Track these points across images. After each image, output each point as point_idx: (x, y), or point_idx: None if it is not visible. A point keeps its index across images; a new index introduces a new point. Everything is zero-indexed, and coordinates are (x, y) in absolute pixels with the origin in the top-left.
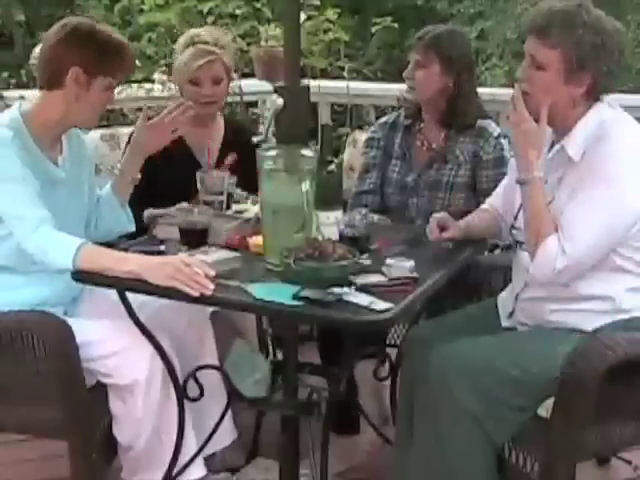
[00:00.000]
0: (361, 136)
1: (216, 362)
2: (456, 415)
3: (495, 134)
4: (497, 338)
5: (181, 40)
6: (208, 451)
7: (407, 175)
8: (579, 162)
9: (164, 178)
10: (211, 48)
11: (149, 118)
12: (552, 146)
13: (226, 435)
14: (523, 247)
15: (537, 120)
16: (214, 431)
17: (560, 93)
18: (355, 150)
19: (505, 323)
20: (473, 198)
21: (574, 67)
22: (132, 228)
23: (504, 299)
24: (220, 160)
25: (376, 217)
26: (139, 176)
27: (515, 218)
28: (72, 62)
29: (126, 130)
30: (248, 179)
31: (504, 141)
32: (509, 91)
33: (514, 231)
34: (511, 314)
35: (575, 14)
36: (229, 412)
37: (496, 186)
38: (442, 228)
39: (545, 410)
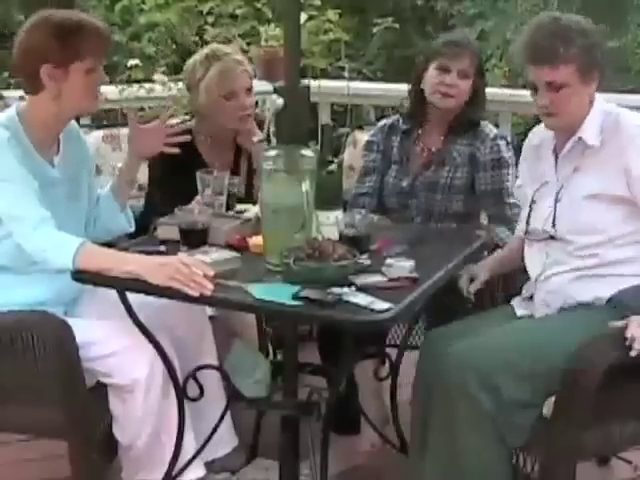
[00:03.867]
0: (361, 136)
1: (216, 362)
2: (473, 416)
3: (492, 135)
4: (513, 328)
5: (198, 58)
6: (208, 457)
7: (402, 180)
8: (599, 148)
9: (176, 182)
10: (239, 57)
11: (146, 122)
12: (554, 146)
13: (226, 442)
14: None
15: (568, 128)
16: (214, 431)
17: (583, 96)
18: (355, 150)
19: (520, 312)
20: (472, 200)
21: (586, 70)
22: (131, 229)
23: (519, 301)
24: (235, 164)
25: (376, 217)
26: (136, 177)
27: (527, 223)
28: (39, 61)
29: (127, 131)
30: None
31: (501, 142)
32: (509, 91)
33: (528, 235)
34: (530, 298)
35: (566, 28)
36: (230, 419)
37: (494, 188)
38: (471, 279)
39: (546, 409)
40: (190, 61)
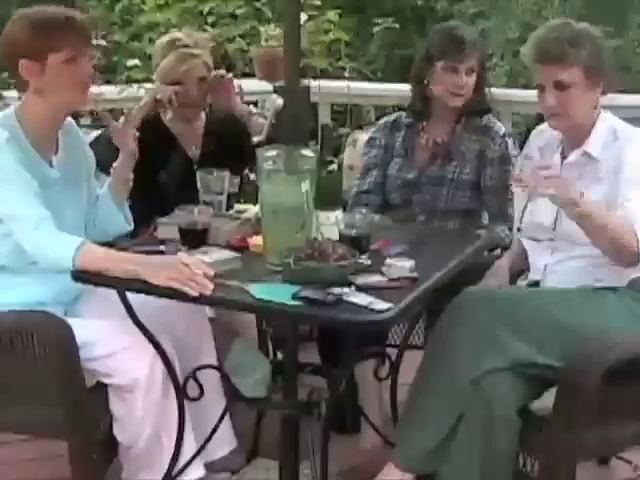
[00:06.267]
0: (361, 136)
1: (215, 363)
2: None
3: (501, 133)
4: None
5: (162, 41)
6: (207, 458)
7: (408, 172)
8: (598, 159)
9: (157, 172)
10: (193, 51)
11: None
12: (562, 149)
13: (225, 443)
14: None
15: (573, 132)
16: (213, 432)
17: (587, 101)
18: (355, 150)
19: None
20: (477, 197)
21: (592, 74)
22: (130, 228)
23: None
24: (205, 149)
25: (376, 217)
26: (131, 176)
27: (520, 221)
28: (17, 57)
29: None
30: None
31: (509, 140)
32: (510, 91)
33: (519, 233)
34: (537, 283)
35: (576, 31)
36: (228, 421)
37: (499, 184)
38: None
39: (545, 409)
40: (157, 43)
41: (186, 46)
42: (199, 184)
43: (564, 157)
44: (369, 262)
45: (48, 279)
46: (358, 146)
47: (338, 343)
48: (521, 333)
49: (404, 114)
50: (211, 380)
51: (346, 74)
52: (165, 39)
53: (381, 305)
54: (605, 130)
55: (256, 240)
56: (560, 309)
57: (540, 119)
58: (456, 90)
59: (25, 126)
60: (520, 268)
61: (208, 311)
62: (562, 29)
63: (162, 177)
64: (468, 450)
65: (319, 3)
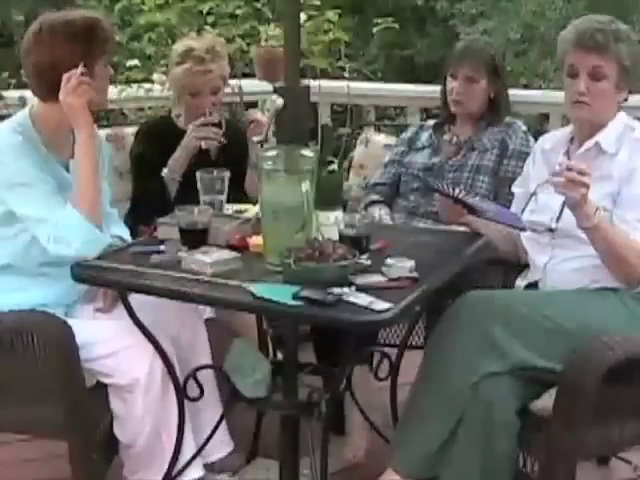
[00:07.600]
0: (373, 136)
1: (210, 362)
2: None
3: (524, 128)
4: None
5: (177, 49)
6: (204, 460)
7: (433, 158)
8: (614, 156)
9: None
10: (208, 66)
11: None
12: (571, 141)
13: (222, 445)
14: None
15: (591, 126)
16: (213, 432)
17: (613, 100)
18: (366, 149)
19: None
20: (494, 184)
21: (624, 74)
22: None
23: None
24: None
25: (384, 211)
26: None
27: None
28: (73, 63)
29: (130, 130)
30: (234, 174)
31: (531, 138)
32: (511, 92)
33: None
34: (536, 284)
35: (620, 29)
36: (224, 424)
37: (514, 177)
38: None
39: (545, 410)
40: (174, 47)
41: (201, 59)
42: (199, 184)
43: (569, 156)
44: (369, 262)
45: (50, 282)
46: (370, 145)
47: (333, 343)
48: (521, 337)
49: (424, 126)
50: (207, 381)
51: (346, 74)
52: (180, 48)
53: (381, 305)
54: (621, 125)
55: (256, 240)
56: (560, 312)
57: (541, 120)
58: (453, 96)
59: (41, 130)
60: (505, 244)
61: (208, 311)
62: (608, 23)
63: (166, 175)
64: (468, 454)
65: (319, 3)
